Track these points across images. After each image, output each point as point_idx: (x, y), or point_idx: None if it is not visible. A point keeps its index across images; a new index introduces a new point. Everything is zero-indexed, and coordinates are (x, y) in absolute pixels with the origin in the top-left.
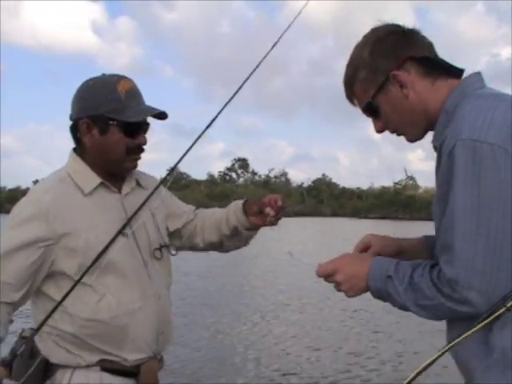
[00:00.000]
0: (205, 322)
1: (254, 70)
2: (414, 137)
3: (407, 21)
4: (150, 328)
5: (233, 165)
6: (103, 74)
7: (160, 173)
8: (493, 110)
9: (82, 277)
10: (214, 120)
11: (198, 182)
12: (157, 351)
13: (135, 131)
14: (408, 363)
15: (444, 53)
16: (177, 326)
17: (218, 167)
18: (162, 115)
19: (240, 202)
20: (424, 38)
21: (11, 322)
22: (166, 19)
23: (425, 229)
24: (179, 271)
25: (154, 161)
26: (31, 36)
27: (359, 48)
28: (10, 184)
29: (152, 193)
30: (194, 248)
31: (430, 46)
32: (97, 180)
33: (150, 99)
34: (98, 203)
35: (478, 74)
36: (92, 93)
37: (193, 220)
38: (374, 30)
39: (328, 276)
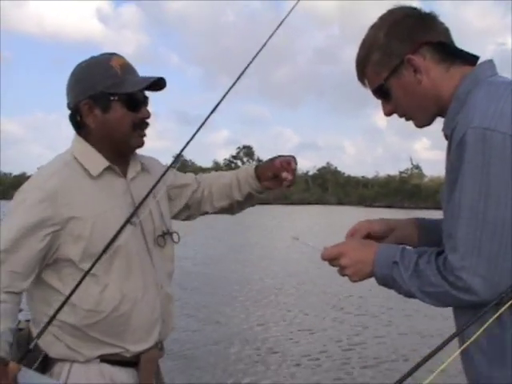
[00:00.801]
0: (198, 304)
1: (258, 52)
2: (422, 122)
3: (413, 3)
4: (151, 317)
5: (238, 152)
6: (92, 57)
7: (166, 160)
8: (504, 98)
9: (90, 269)
10: (217, 106)
11: (203, 170)
12: (158, 340)
13: (137, 105)
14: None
15: None
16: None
17: (223, 155)
18: (160, 83)
19: (251, 169)
20: (441, 23)
21: (20, 310)
22: (172, 7)
23: (431, 217)
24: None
25: (159, 148)
26: (37, 24)
27: (375, 29)
28: (15, 171)
29: (157, 182)
30: (203, 214)
31: (446, 31)
32: (105, 163)
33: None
34: (105, 188)
35: (490, 61)
36: (87, 73)
37: (197, 188)
38: (391, 12)
39: (333, 259)
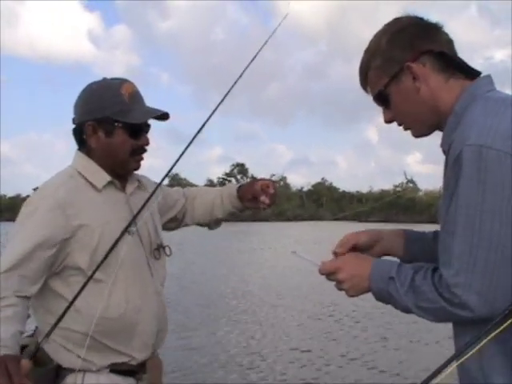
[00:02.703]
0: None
1: (244, 71)
2: (419, 132)
3: (401, 19)
4: (152, 325)
5: (232, 170)
6: (104, 78)
7: (157, 178)
8: (501, 114)
9: (93, 274)
10: (204, 124)
11: None
12: (156, 347)
13: (139, 132)
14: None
15: None
16: None
17: (216, 173)
18: (164, 116)
19: (234, 189)
20: (445, 34)
21: (29, 316)
22: (162, 27)
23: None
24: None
25: (152, 166)
26: (28, 46)
27: (378, 36)
28: (9, 192)
29: (151, 195)
30: (183, 226)
31: (449, 42)
32: (107, 177)
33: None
34: (108, 200)
35: (488, 76)
36: (96, 96)
37: (185, 203)
38: (397, 20)
39: (330, 274)
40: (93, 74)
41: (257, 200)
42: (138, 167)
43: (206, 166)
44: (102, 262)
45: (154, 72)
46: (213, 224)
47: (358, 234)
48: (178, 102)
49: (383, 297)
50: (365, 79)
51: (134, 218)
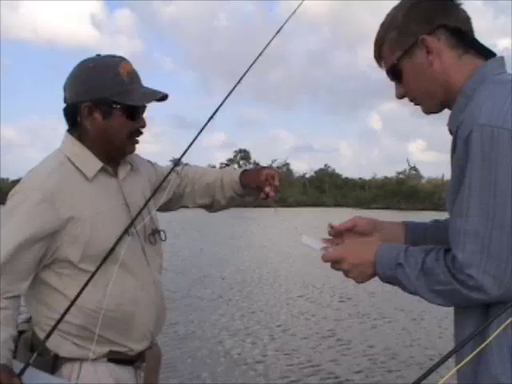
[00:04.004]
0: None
1: (255, 60)
2: (429, 108)
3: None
4: (150, 314)
5: (235, 156)
6: (98, 55)
7: (162, 163)
8: (510, 97)
9: (95, 272)
10: (215, 112)
11: None
12: (154, 336)
13: (136, 114)
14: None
15: None
16: None
17: (219, 158)
18: (163, 97)
19: (236, 174)
20: (463, 11)
21: (19, 314)
22: (165, 12)
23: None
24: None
25: (155, 152)
26: (31, 30)
27: (395, 9)
28: (12, 176)
29: (155, 191)
30: (182, 207)
31: (466, 19)
32: (98, 164)
33: None
34: (99, 188)
35: (501, 58)
36: (94, 75)
37: (180, 183)
38: None
39: (334, 263)
40: None
41: (260, 190)
42: (133, 150)
43: (209, 151)
44: (101, 263)
45: (157, 57)
46: (216, 206)
47: (361, 218)
48: (181, 87)
49: (390, 282)
50: (379, 53)
51: (134, 219)
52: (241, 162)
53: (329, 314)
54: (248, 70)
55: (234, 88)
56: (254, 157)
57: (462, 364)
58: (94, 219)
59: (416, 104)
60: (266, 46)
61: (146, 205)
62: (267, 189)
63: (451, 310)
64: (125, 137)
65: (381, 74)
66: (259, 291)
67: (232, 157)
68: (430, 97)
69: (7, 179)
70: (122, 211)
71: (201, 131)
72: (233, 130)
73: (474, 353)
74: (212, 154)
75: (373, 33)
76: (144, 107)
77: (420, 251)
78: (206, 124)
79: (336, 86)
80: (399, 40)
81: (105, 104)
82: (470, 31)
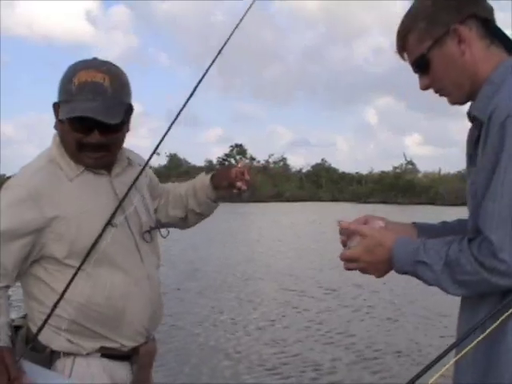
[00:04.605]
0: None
1: (219, 52)
2: (456, 99)
3: (400, 3)
4: (144, 310)
5: (231, 151)
6: (94, 59)
7: (158, 159)
8: None
9: (80, 267)
10: (185, 105)
11: (196, 168)
12: (150, 332)
13: (81, 129)
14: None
15: None
16: None
17: (216, 153)
18: (108, 124)
19: (207, 178)
20: (487, 1)
21: (10, 304)
22: (161, 8)
23: (425, 213)
24: None
25: (150, 147)
26: (27, 26)
27: (421, 0)
28: (9, 172)
29: (136, 179)
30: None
31: (491, 10)
32: (79, 168)
33: (147, 87)
34: (85, 187)
35: None
36: (62, 78)
37: (155, 196)
38: None
39: (350, 263)
40: (92, 55)
41: (233, 187)
42: (95, 165)
43: (205, 146)
44: (86, 256)
45: (153, 53)
46: (189, 218)
47: (373, 217)
48: (177, 83)
49: (409, 274)
50: (403, 43)
51: (116, 210)
52: (237, 157)
53: (316, 305)
54: (210, 66)
55: (197, 85)
56: (250, 152)
57: (462, 352)
58: (78, 218)
59: (442, 95)
60: (227, 40)
61: (126, 195)
62: (239, 183)
63: (441, 300)
64: (73, 147)
65: (377, 69)
66: (248, 284)
67: (228, 152)
68: (459, 87)
69: (3, 175)
70: (113, 208)
71: (174, 121)
72: (229, 125)
73: (478, 340)
74: (208, 149)
75: (368, 28)
76: (102, 124)
77: (441, 244)
78: (179, 114)
79: (332, 80)
80: (429, 29)
81: (58, 108)
82: (494, 21)
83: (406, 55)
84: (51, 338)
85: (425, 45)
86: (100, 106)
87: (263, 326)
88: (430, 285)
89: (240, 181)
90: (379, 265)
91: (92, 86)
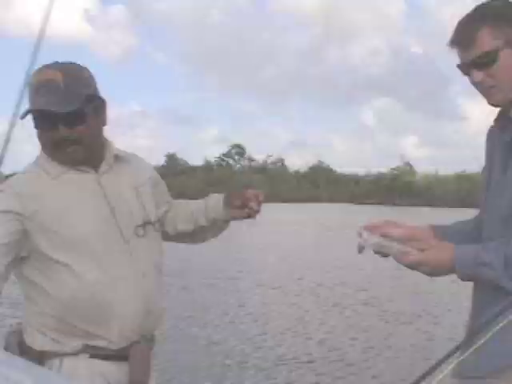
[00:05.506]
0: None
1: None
2: (502, 100)
3: (396, 4)
4: (136, 308)
5: (229, 151)
6: (71, 63)
7: (156, 158)
8: None
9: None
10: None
11: (194, 169)
12: (145, 332)
13: (46, 124)
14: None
15: (433, 38)
16: None
17: (213, 153)
18: (65, 115)
19: (220, 196)
20: None
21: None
22: (158, 7)
23: (422, 215)
24: None
25: (148, 146)
26: (25, 27)
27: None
28: (6, 170)
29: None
30: (163, 237)
31: None
32: (64, 168)
33: (144, 86)
34: (68, 185)
35: None
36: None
37: (167, 210)
38: None
39: (414, 266)
40: (90, 54)
41: (245, 207)
42: (71, 160)
43: (203, 146)
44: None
45: (151, 52)
46: (198, 234)
47: (393, 222)
48: (173, 82)
49: (469, 279)
50: (471, 37)
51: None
52: (235, 157)
53: (302, 304)
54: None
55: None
56: (248, 152)
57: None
58: (61, 211)
59: (489, 92)
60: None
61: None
62: (252, 204)
63: (431, 298)
64: (49, 147)
65: (374, 70)
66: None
67: (226, 152)
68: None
69: (1, 173)
70: (100, 204)
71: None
72: (227, 125)
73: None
74: (206, 149)
75: (365, 28)
76: (62, 117)
77: (497, 245)
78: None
79: (329, 81)
80: (505, 29)
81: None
82: None
83: (461, 48)
84: (37, 339)
85: (497, 42)
86: (52, 99)
87: (250, 323)
88: (490, 284)
89: (254, 202)
90: (442, 268)
91: (45, 83)
